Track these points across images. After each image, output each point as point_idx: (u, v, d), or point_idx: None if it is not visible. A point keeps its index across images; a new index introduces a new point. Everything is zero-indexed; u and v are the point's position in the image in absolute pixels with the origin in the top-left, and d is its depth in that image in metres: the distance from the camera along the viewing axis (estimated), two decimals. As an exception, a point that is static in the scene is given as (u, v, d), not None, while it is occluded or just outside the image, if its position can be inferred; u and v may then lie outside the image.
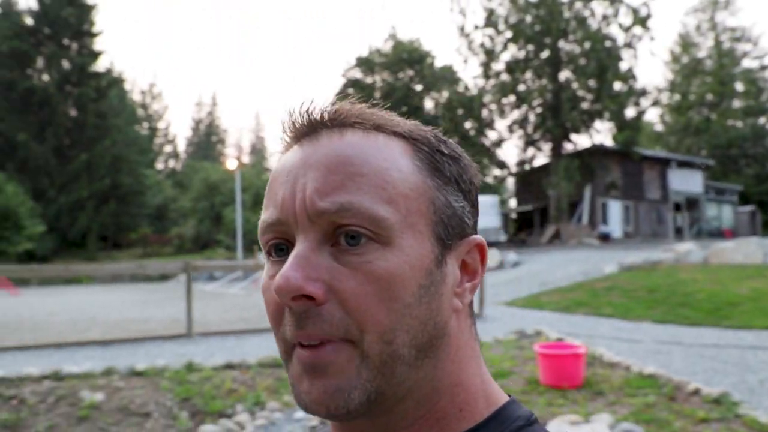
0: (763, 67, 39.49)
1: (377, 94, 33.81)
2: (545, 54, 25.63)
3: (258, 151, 70.49)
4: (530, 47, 25.31)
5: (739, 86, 39.66)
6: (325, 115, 0.50)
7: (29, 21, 34.51)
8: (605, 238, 24.28)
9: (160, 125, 59.11)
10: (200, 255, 30.85)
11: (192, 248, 33.07)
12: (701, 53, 41.09)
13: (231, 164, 28.02)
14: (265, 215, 0.50)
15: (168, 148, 60.96)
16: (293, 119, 0.51)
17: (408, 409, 0.49)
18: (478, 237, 0.53)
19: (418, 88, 35.61)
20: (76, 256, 31.66)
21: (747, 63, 40.12)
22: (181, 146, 65.96)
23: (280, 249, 0.49)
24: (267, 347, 7.44)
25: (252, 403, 5.39)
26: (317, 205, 0.46)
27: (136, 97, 55.80)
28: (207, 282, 24.22)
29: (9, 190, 27.61)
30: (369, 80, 34.80)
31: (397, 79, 34.84)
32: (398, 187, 0.47)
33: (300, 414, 5.29)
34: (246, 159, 64.53)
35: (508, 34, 26.15)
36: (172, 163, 60.87)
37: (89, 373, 5.96)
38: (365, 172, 0.47)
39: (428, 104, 36.05)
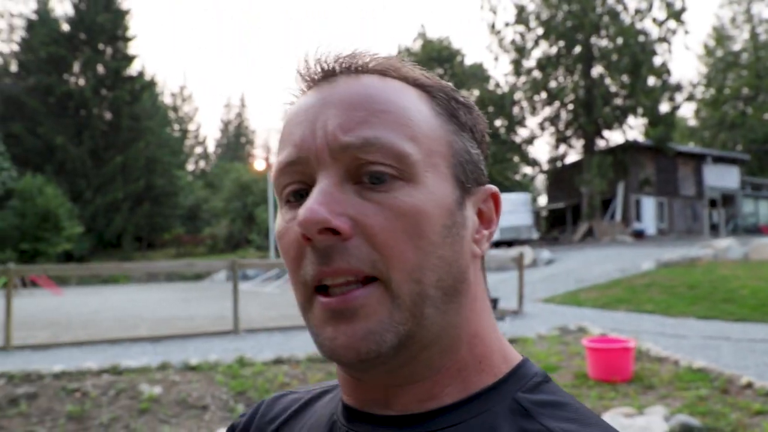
0: (801, 59, 38.40)
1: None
2: (577, 50, 25.40)
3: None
4: (561, 43, 25.10)
5: (776, 79, 38.63)
6: (341, 61, 0.50)
7: (65, 27, 35.46)
8: (639, 235, 23.95)
9: (191, 127, 60.11)
10: (233, 255, 31.31)
11: (224, 248, 33.62)
12: (736, 46, 40.16)
13: (259, 165, 28.39)
14: (282, 156, 0.48)
15: (198, 150, 61.95)
16: (307, 66, 0.51)
17: (432, 357, 0.48)
18: (492, 186, 0.53)
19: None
20: (111, 257, 32.46)
21: (784, 55, 39.06)
22: (211, 148, 66.94)
23: (299, 195, 0.48)
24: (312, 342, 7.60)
25: (303, 395, 5.55)
26: (341, 139, 0.45)
27: (167, 99, 56.86)
28: (241, 281, 24.59)
29: (49, 192, 28.40)
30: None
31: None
32: (421, 127, 0.47)
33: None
34: (274, 159, 65.19)
35: (540, 30, 25.99)
36: (202, 164, 61.84)
37: (146, 368, 6.17)
38: (388, 109, 0.46)
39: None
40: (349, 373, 0.50)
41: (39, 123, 33.35)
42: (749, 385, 4.66)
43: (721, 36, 40.62)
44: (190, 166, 57.08)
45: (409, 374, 0.48)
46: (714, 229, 27.50)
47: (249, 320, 9.81)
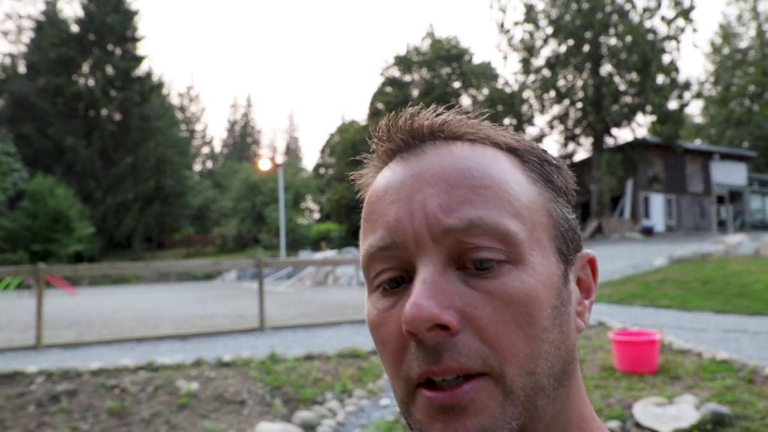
0: (807, 56, 38.43)
1: (415, 92, 34.11)
2: (586, 49, 25.51)
3: (292, 151, 71.37)
4: (571, 42, 25.23)
5: (783, 76, 38.69)
6: (432, 127, 0.47)
7: (75, 28, 35.72)
8: (648, 231, 24.05)
9: (197, 127, 60.41)
10: (242, 254, 31.54)
11: (234, 248, 33.86)
12: (743, 44, 40.21)
13: (264, 165, 28.57)
14: (373, 239, 0.45)
15: (205, 150, 62.25)
16: (392, 132, 0.48)
17: None
18: (589, 251, 0.50)
19: (456, 85, 35.72)
20: (122, 257, 32.71)
21: (791, 52, 39.10)
22: (217, 148, 67.20)
23: (395, 282, 0.45)
24: (338, 339, 7.77)
25: (339, 391, 5.70)
26: (443, 222, 0.42)
27: (174, 100, 57.15)
28: (251, 281, 24.81)
29: (60, 193, 28.61)
30: (407, 78, 35.05)
31: (435, 76, 35.02)
32: (521, 200, 0.44)
33: (386, 401, 5.58)
34: (280, 159, 65.52)
35: (549, 29, 26.11)
36: (209, 165, 62.12)
37: (181, 365, 6.31)
38: (488, 184, 0.43)
39: (465, 101, 36.15)
40: None
41: (49, 124, 33.64)
42: (774, 376, 4.81)
43: (727, 33, 40.69)
44: (197, 167, 57.35)
45: None
46: (722, 226, 27.58)
47: (270, 318, 9.98)
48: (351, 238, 31.11)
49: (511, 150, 0.47)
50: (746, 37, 40.30)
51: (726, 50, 40.57)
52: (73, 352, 7.54)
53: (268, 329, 8.74)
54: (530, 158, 0.47)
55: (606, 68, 25.86)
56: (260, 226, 33.59)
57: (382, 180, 0.46)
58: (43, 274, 7.84)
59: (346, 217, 30.77)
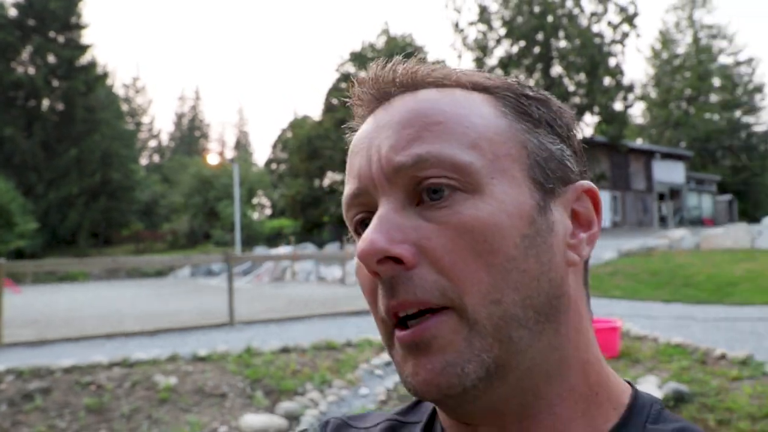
0: (737, 63, 40.93)
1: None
2: (537, 50, 26.35)
3: (242, 146, 70.28)
4: (522, 43, 26.02)
5: (716, 81, 41.03)
6: (397, 80, 0.47)
7: (13, 12, 34.07)
8: (595, 227, 25.07)
9: (144, 120, 58.67)
10: (194, 250, 30.99)
11: (186, 244, 33.21)
12: (680, 49, 42.34)
13: (212, 159, 28.18)
14: (346, 189, 0.47)
15: (152, 143, 60.55)
16: (363, 90, 0.49)
17: (539, 386, 0.44)
18: (587, 182, 0.48)
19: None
20: (66, 254, 31.50)
21: (723, 59, 41.58)
22: (165, 141, 65.45)
23: (365, 224, 0.46)
24: (311, 332, 7.89)
25: (319, 381, 5.84)
26: (393, 161, 0.43)
27: (120, 90, 55.31)
28: (206, 277, 24.45)
29: (0, 186, 27.36)
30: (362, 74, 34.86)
31: (388, 73, 35.02)
32: (481, 131, 0.44)
33: (365, 390, 5.76)
34: (229, 154, 64.42)
35: (502, 30, 26.80)
36: (156, 159, 60.47)
37: (156, 360, 6.28)
38: (441, 120, 0.43)
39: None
40: (454, 416, 0.46)
41: (-16, 114, 32.03)
42: (723, 356, 5.26)
43: (666, 39, 42.74)
44: (143, 160, 55.74)
45: (521, 405, 0.44)
46: (663, 222, 29.06)
47: (238, 313, 9.97)
48: (306, 234, 31.03)
49: (482, 89, 0.47)
50: (683, 44, 42.46)
51: (665, 55, 42.63)
52: (38, 350, 7.36)
53: (238, 324, 8.77)
54: (504, 93, 0.47)
55: (556, 69, 26.77)
56: (213, 222, 33.05)
57: (354, 137, 0.49)
58: (2, 271, 7.62)
59: (301, 212, 30.64)
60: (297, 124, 38.02)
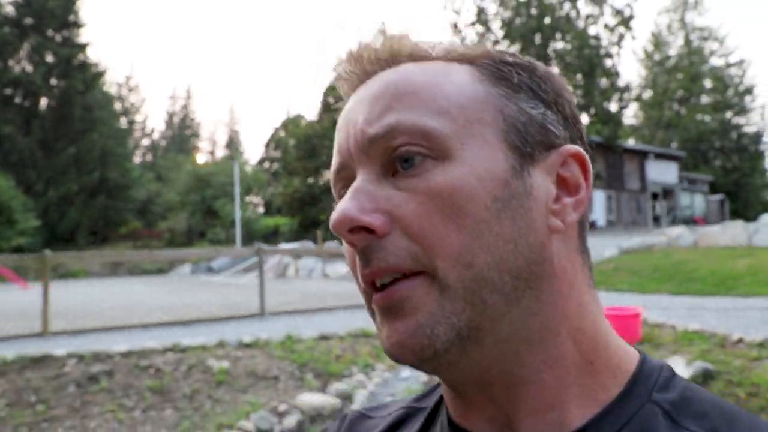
0: (728, 65, 41.76)
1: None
2: (535, 51, 26.88)
3: (234, 144, 70.27)
4: (520, 45, 26.52)
5: (708, 83, 41.83)
6: (378, 56, 0.47)
7: (11, 10, 34.02)
8: (591, 225, 25.70)
9: (137, 118, 58.58)
10: (193, 248, 31.14)
11: (184, 242, 33.37)
12: (672, 51, 43.11)
13: (201, 158, 28.39)
14: (332, 166, 0.48)
15: (145, 142, 60.45)
16: (347, 68, 0.49)
17: (521, 353, 0.43)
18: (574, 146, 0.46)
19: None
20: (65, 251, 31.56)
21: (714, 61, 42.35)
22: (156, 139, 65.31)
23: None
24: (339, 322, 8.24)
25: (363, 365, 6.24)
26: (366, 133, 0.43)
27: (113, 89, 55.15)
28: (207, 274, 24.68)
29: (1, 184, 27.40)
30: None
31: (385, 72, 35.40)
32: (452, 98, 0.44)
33: (406, 373, 6.14)
34: (221, 152, 64.44)
35: (500, 32, 27.28)
36: (149, 157, 60.38)
37: (204, 346, 6.63)
38: (411, 90, 0.44)
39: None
40: (450, 383, 0.46)
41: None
42: (741, 340, 5.71)
43: (659, 41, 43.49)
44: (137, 159, 55.64)
45: (508, 374, 0.43)
46: (656, 221, 29.73)
47: (257, 306, 10.20)
48: (303, 231, 31.34)
49: (463, 59, 0.47)
50: (675, 45, 43.25)
51: (657, 57, 43.40)
52: (83, 338, 7.64)
53: (268, 315, 9.12)
54: (483, 62, 0.47)
55: (554, 71, 27.29)
56: (210, 220, 33.27)
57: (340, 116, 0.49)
58: (49, 262, 7.92)
59: (299, 210, 30.95)
60: (291, 123, 38.29)
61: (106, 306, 11.50)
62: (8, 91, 33.30)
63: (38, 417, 5.23)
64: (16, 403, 5.40)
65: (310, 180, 30.66)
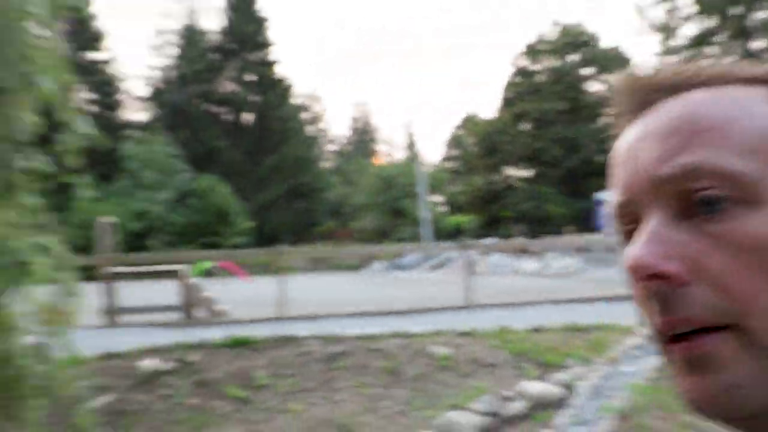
0: None
1: (543, 79, 33.80)
2: (732, 25, 24.11)
3: (413, 145, 72.65)
4: (715, 20, 23.98)
5: None
6: (660, 83, 0.45)
7: (216, 38, 39.15)
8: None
9: (321, 126, 63.45)
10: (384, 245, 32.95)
11: (376, 240, 35.65)
12: None
13: (382, 161, 29.59)
14: (614, 201, 0.45)
15: (330, 147, 65.20)
16: (623, 96, 0.47)
17: None
18: None
19: (587, 72, 34.94)
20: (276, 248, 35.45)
21: None
22: (341, 146, 70.03)
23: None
24: (541, 316, 8.18)
25: (578, 357, 6.31)
26: (659, 173, 0.40)
27: (299, 100, 60.33)
28: (395, 271, 25.95)
29: (221, 190, 31.63)
30: (537, 67, 34.88)
31: (565, 63, 34.48)
32: (757, 134, 0.40)
33: (627, 368, 6.09)
34: (400, 155, 67.02)
35: (691, 9, 24.93)
36: (335, 163, 65.01)
37: (424, 333, 7.10)
38: (709, 126, 0.40)
39: (597, 87, 35.23)
40: None
41: (201, 129, 37.21)
42: None
43: None
44: (325, 164, 60.27)
45: None
46: None
47: (462, 299, 10.59)
48: (486, 228, 31.52)
49: (754, 81, 0.43)
50: None
51: None
52: (315, 323, 8.36)
53: (474, 307, 9.53)
54: None
55: (757, 44, 24.24)
56: (396, 219, 35.02)
57: (618, 143, 0.46)
58: (286, 257, 9.15)
59: (481, 208, 31.22)
60: (470, 121, 38.69)
61: (322, 298, 12.75)
62: (218, 109, 38.37)
63: (294, 387, 6.12)
64: (275, 375, 6.34)
65: (492, 177, 30.79)
